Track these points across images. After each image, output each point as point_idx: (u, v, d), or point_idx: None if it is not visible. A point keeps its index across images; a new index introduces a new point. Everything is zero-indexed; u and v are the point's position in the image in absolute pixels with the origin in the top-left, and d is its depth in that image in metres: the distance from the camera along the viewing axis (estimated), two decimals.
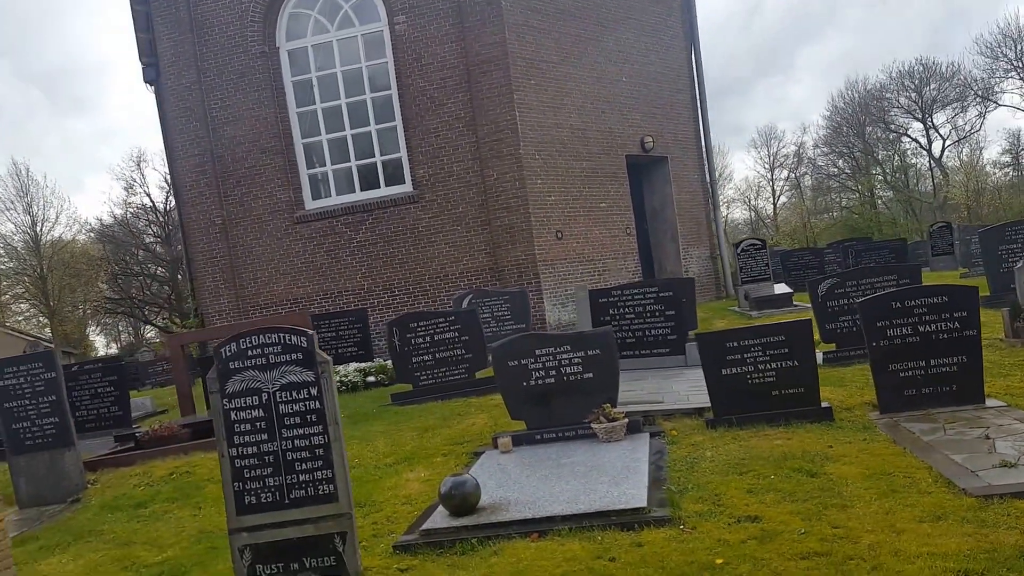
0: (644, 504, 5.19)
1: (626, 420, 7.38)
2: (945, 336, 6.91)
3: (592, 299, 10.66)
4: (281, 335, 4.98)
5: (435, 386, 10.84)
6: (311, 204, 16.07)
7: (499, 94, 14.93)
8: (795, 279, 19.49)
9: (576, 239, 15.82)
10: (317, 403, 4.85)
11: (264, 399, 4.88)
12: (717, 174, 19.33)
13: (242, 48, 16.06)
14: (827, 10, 78.09)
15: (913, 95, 46.38)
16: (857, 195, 49.15)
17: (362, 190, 15.94)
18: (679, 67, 18.73)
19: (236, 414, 4.89)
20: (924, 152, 48.42)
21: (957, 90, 46.00)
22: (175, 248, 40.31)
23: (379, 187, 15.88)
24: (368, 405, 11.03)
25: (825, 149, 51.75)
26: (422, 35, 15.31)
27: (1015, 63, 42.72)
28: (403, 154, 15.64)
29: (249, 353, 4.94)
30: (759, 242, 16.62)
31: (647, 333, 10.70)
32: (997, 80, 44.05)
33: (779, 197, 56.85)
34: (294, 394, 4.86)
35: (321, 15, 16.04)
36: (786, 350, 7.18)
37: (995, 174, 48.57)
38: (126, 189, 46.36)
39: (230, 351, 5.00)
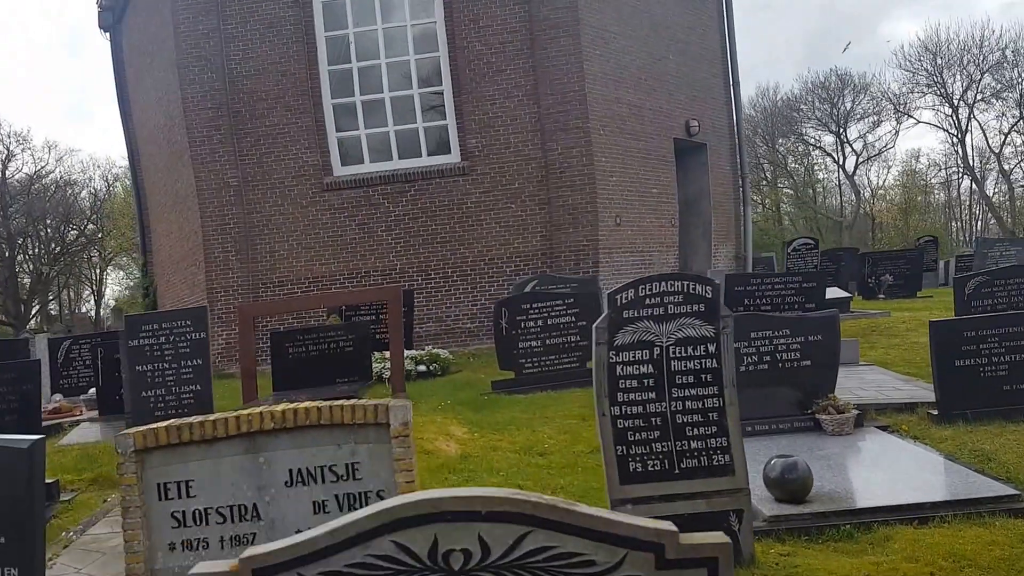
0: (1014, 491, 5.00)
1: (855, 413, 6.88)
2: None
3: (728, 285, 9.75)
4: (685, 283, 4.39)
5: (541, 375, 9.89)
6: (340, 170, 14.55)
7: (567, 63, 13.80)
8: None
9: (631, 226, 14.84)
10: (714, 362, 4.43)
11: (656, 354, 4.43)
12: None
13: None
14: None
15: (827, 107, 46.49)
16: (762, 208, 48.25)
17: (401, 158, 14.53)
18: (714, 49, 17.97)
19: (623, 368, 4.43)
20: (836, 167, 48.98)
21: (873, 103, 46.16)
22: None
23: (420, 156, 14.50)
24: (459, 393, 9.95)
25: None
26: None
27: (933, 78, 43.14)
28: (451, 122, 14.31)
29: (647, 301, 4.37)
30: (812, 241, 16.10)
31: None
32: (916, 96, 44.43)
33: None
34: (690, 350, 4.43)
35: None
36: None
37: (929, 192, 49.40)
38: None
39: (627, 298, 4.39)
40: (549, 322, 9.87)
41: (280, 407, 4.14)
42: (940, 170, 47.32)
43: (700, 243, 17.26)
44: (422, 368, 11.69)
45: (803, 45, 66.75)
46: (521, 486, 6.23)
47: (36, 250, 44.42)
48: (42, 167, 43.97)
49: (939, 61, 42.49)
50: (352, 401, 4.10)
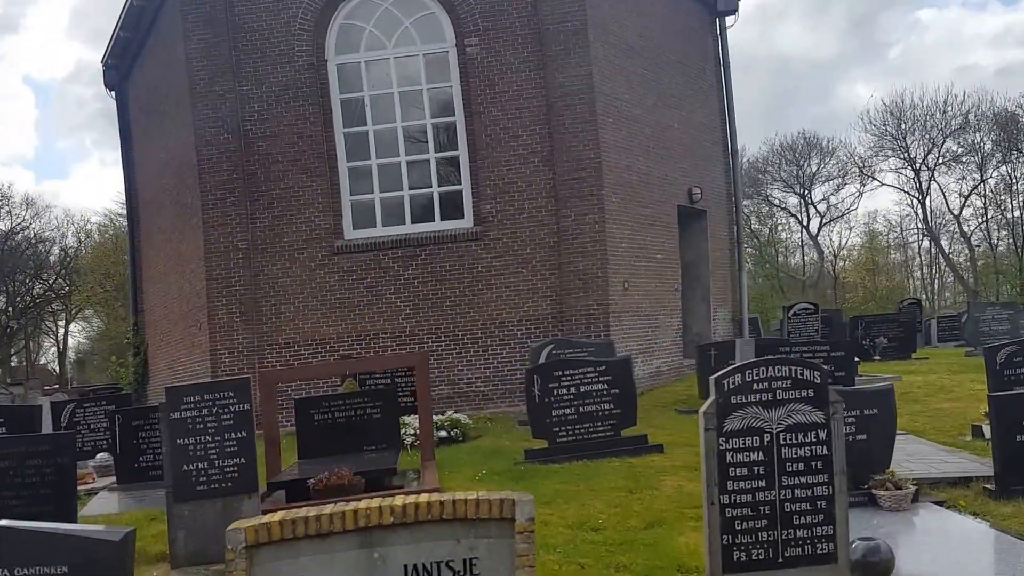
0: None
1: (913, 489, 6.81)
2: None
3: (759, 353, 9.78)
4: (792, 368, 4.43)
5: (576, 443, 9.74)
6: (352, 233, 14.54)
7: (583, 130, 13.97)
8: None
9: (638, 291, 14.94)
10: (825, 448, 4.46)
11: (766, 440, 4.43)
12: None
13: (287, 58, 14.51)
14: None
15: (793, 168, 47.45)
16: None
17: (413, 222, 14.55)
18: (714, 118, 18.34)
19: (733, 456, 4.44)
20: (800, 227, 49.82)
21: (838, 166, 47.25)
22: None
23: (433, 220, 14.53)
24: (490, 463, 9.86)
25: None
26: (497, 60, 14.21)
27: (897, 142, 44.24)
28: (466, 186, 14.39)
29: (755, 387, 4.38)
30: (812, 306, 16.30)
31: None
32: (880, 159, 45.42)
33: None
34: (800, 437, 4.46)
35: (377, 29, 14.71)
36: None
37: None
38: None
39: (734, 383, 4.42)
40: (582, 389, 9.78)
41: (400, 500, 4.07)
42: (900, 232, 48.50)
43: (699, 306, 17.40)
44: (443, 434, 11.54)
45: (759, 107, 68.34)
46: (581, 564, 6.16)
47: (3, 304, 44.12)
48: (18, 223, 43.72)
49: (903, 126, 43.73)
50: (476, 495, 4.04)
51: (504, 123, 14.20)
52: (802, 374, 4.39)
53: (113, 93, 19.38)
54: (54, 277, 44.87)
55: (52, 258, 45.30)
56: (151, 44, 17.05)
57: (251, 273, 14.32)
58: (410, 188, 14.62)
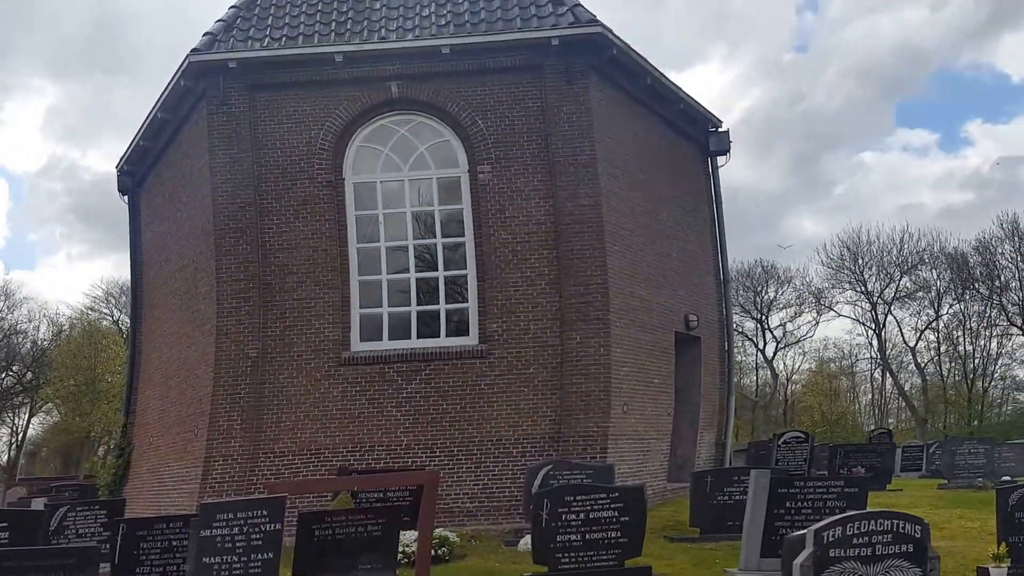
0: None
1: None
2: None
3: (772, 487, 9.95)
4: (894, 522, 4.28)
5: (578, 571, 9.60)
6: (359, 345, 14.83)
7: (590, 256, 14.53)
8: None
9: (635, 415, 15.24)
10: None
11: None
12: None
13: (307, 175, 15.08)
14: None
15: (751, 294, 48.80)
16: None
17: (419, 337, 14.90)
18: (707, 249, 19.09)
19: None
20: (756, 351, 50.92)
21: (795, 295, 48.91)
22: None
23: (439, 336, 14.89)
24: None
25: None
26: (508, 187, 14.87)
27: (854, 275, 46.10)
28: (472, 305, 14.81)
29: (855, 541, 4.33)
30: (802, 435, 16.61)
31: None
32: (837, 291, 47.07)
33: None
34: None
35: (393, 153, 15.40)
36: None
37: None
38: None
39: (833, 536, 4.32)
40: (591, 516, 9.72)
41: None
42: (851, 359, 49.64)
43: (687, 431, 17.67)
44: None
45: None
46: None
47: None
48: None
49: (860, 260, 45.75)
50: None
51: (513, 246, 14.74)
52: (903, 528, 4.30)
53: (126, 198, 19.84)
54: (25, 370, 44.63)
55: (23, 350, 45.23)
56: (171, 155, 17.59)
57: (257, 381, 14.48)
58: (418, 304, 15.02)
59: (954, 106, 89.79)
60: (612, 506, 9.66)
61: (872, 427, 43.38)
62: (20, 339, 45.35)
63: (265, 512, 6.79)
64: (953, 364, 45.17)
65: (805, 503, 9.92)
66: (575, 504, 9.62)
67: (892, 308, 45.72)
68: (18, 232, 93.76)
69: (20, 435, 50.25)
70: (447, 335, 14.87)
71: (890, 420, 48.77)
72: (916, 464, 22.76)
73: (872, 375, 49.96)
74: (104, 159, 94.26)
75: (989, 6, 78.88)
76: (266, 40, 15.39)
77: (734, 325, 47.77)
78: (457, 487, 14.00)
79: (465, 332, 14.84)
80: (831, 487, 9.94)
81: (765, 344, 50.21)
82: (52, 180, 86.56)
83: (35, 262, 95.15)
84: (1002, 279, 42.63)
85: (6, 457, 49.82)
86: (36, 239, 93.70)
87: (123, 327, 43.44)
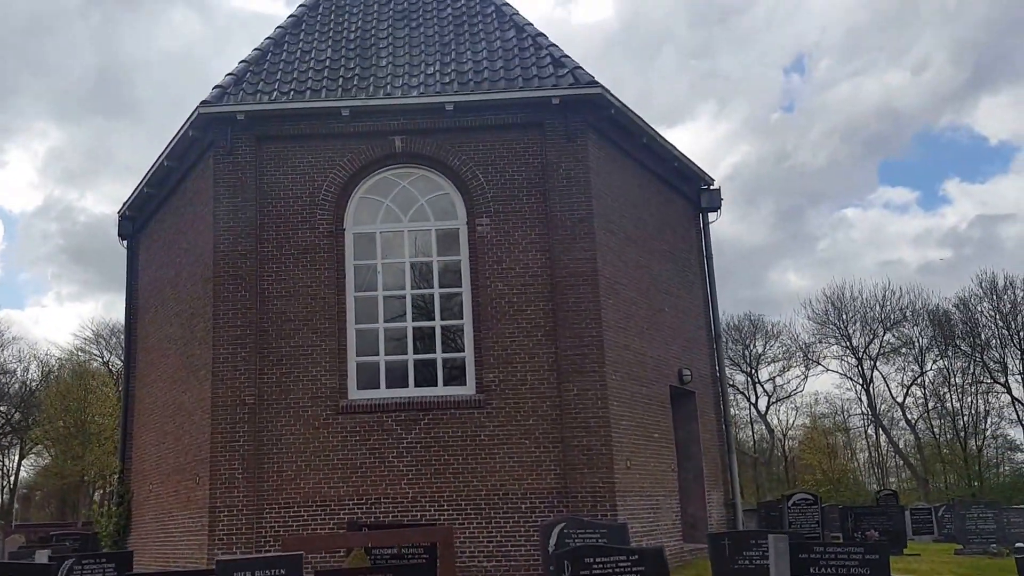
0: None
1: None
2: None
3: (793, 552, 9.98)
4: None
5: None
6: (355, 394, 14.95)
7: (586, 309, 14.77)
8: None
9: (639, 470, 15.33)
10: None
11: None
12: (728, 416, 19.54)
13: (308, 224, 15.33)
14: None
15: (740, 347, 49.55)
16: None
17: (416, 386, 15.03)
18: (699, 304, 19.36)
19: None
20: (749, 405, 51.30)
21: (783, 349, 49.84)
22: None
23: (435, 385, 15.03)
24: None
25: None
26: (505, 240, 15.15)
27: (839, 331, 47.07)
28: (469, 355, 14.99)
29: None
30: (811, 497, 16.71)
31: None
32: (824, 346, 48.05)
33: None
34: None
35: (394, 204, 15.70)
36: None
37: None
38: None
39: None
40: None
41: None
42: (843, 415, 50.15)
43: (693, 488, 17.74)
44: None
45: None
46: None
47: None
48: None
49: (844, 316, 46.65)
50: None
51: (510, 297, 14.97)
52: None
53: (125, 242, 20.01)
54: (13, 410, 44.32)
55: (11, 390, 44.96)
56: (174, 202, 17.79)
57: (256, 429, 14.54)
58: (415, 353, 15.18)
59: (933, 165, 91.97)
60: (634, 569, 9.66)
61: (874, 485, 43.79)
62: (8, 379, 45.13)
63: (283, 570, 6.86)
64: (943, 421, 45.76)
65: (828, 569, 9.95)
66: (596, 566, 9.60)
67: (877, 363, 46.58)
68: (10, 272, 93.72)
69: (12, 478, 49.74)
70: (444, 384, 15.01)
71: (891, 479, 49.17)
72: (926, 527, 23.10)
73: (866, 431, 50.59)
74: (100, 201, 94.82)
75: (968, 71, 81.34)
76: (274, 94, 15.75)
77: (727, 378, 48.38)
78: (471, 544, 14.01)
79: (462, 381, 14.99)
80: (852, 553, 9.94)
81: (757, 398, 50.81)
82: (47, 221, 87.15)
83: (24, 301, 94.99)
84: (983, 337, 43.27)
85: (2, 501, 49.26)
86: (27, 278, 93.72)
87: (113, 368, 43.26)
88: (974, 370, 43.95)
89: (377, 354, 15.20)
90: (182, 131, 16.10)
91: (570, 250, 14.97)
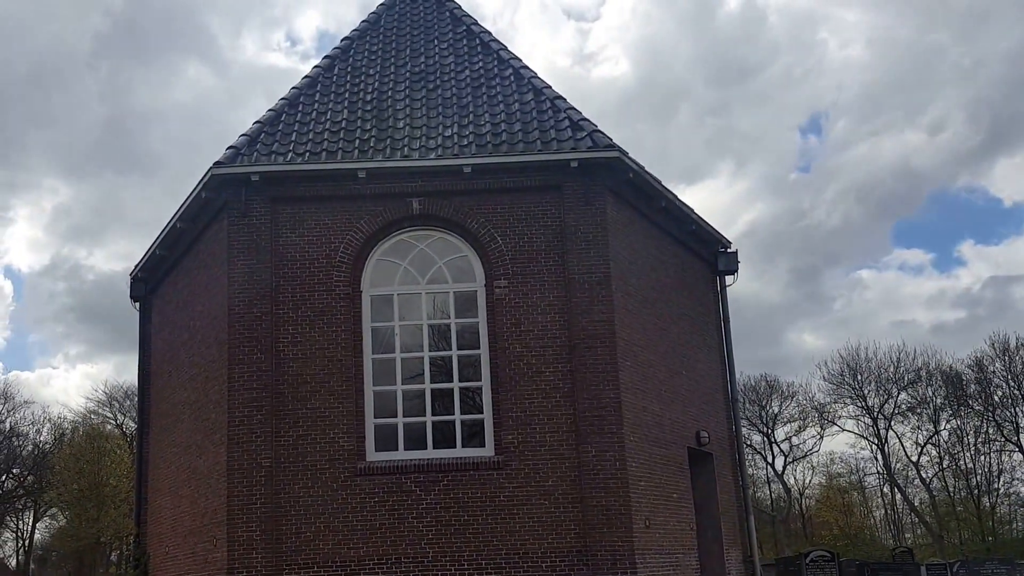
0: None
1: None
2: None
3: None
4: None
5: None
6: (373, 455, 14.85)
7: (603, 371, 14.74)
8: None
9: (658, 529, 15.22)
10: None
11: None
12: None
13: (325, 287, 15.32)
14: None
15: (756, 408, 49.70)
16: None
17: (435, 447, 14.94)
18: (716, 367, 19.33)
19: None
20: (766, 464, 51.23)
21: (798, 409, 50.20)
22: None
23: (454, 447, 14.93)
24: None
25: None
26: (524, 302, 15.17)
27: (854, 391, 47.37)
28: (487, 416, 14.93)
29: None
30: (828, 554, 16.61)
31: None
32: (840, 406, 48.42)
33: None
34: None
35: (411, 266, 15.73)
36: None
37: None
38: None
39: None
40: None
41: None
42: (859, 475, 50.29)
43: (712, 547, 17.62)
44: None
45: None
46: None
47: None
48: None
49: (859, 377, 46.93)
50: None
51: (528, 359, 14.94)
52: None
53: (138, 304, 20.03)
54: (26, 473, 44.25)
55: (24, 453, 44.96)
56: (187, 263, 17.81)
57: (273, 491, 14.40)
58: (433, 414, 15.10)
59: (949, 226, 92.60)
60: None
61: (890, 541, 43.63)
62: (21, 441, 45.11)
63: None
64: (957, 480, 46.01)
65: None
66: None
67: (892, 423, 46.82)
68: (19, 332, 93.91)
69: (26, 540, 49.48)
70: (462, 445, 14.91)
71: (906, 535, 49.00)
72: None
73: (882, 490, 50.82)
74: (109, 259, 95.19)
75: (984, 133, 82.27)
76: (289, 155, 15.84)
77: (744, 439, 48.45)
78: None
79: (480, 442, 14.90)
80: None
81: (774, 458, 50.94)
82: (55, 280, 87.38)
83: (32, 363, 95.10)
84: (996, 397, 43.30)
85: (14, 561, 48.83)
86: (35, 340, 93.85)
87: (127, 431, 43.09)
88: (987, 429, 44.11)
89: (395, 415, 15.13)
90: (195, 192, 16.12)
91: (588, 312, 14.98)
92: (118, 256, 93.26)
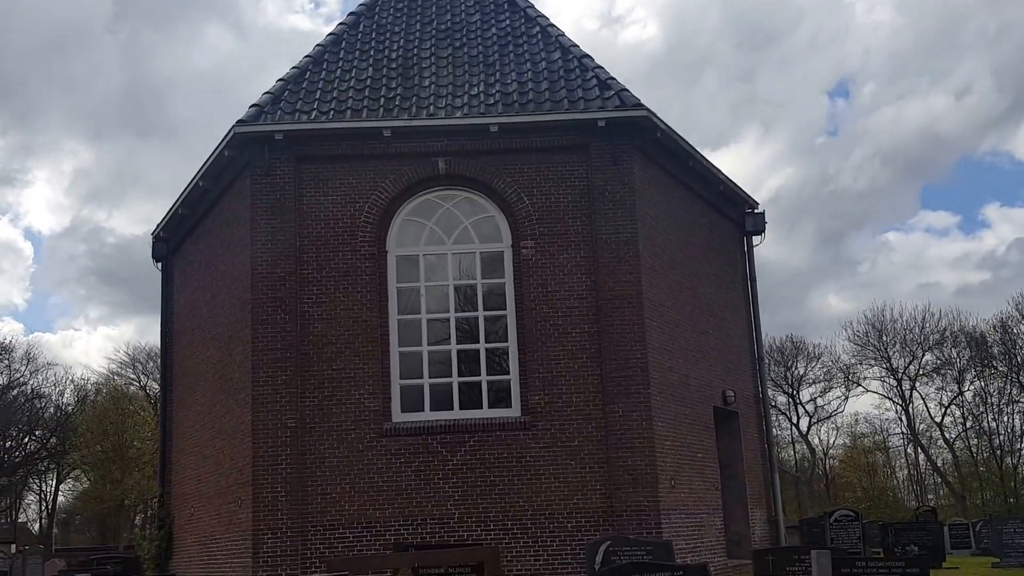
0: None
1: None
2: None
3: (836, 566, 9.93)
4: None
5: None
6: (400, 416, 14.83)
7: (630, 331, 14.63)
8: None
9: (683, 488, 15.23)
10: None
11: None
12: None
13: (350, 247, 15.20)
14: None
15: (782, 369, 49.65)
16: None
17: (461, 408, 14.90)
18: (742, 326, 19.21)
19: None
20: (791, 425, 51.37)
21: (824, 370, 50.16)
22: None
23: (481, 407, 14.89)
24: None
25: None
26: (550, 263, 15.02)
27: (879, 352, 47.36)
28: (514, 377, 14.87)
29: None
30: (853, 513, 16.61)
31: None
32: (864, 367, 48.38)
33: None
34: None
35: (437, 227, 15.58)
36: None
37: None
38: None
39: None
40: None
41: None
42: (883, 435, 50.40)
43: (736, 506, 17.65)
44: None
45: None
46: None
47: None
48: (17, 378, 43.86)
49: (884, 338, 47.02)
50: None
51: (555, 320, 14.84)
52: None
53: (160, 264, 20.00)
54: (49, 435, 44.69)
55: (47, 415, 45.36)
56: (209, 223, 17.74)
57: (298, 452, 14.43)
58: (459, 376, 15.04)
59: (974, 190, 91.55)
60: None
61: (913, 502, 43.92)
62: (43, 403, 45.50)
63: None
64: (980, 440, 46.01)
65: None
66: None
67: (916, 384, 46.97)
68: (39, 294, 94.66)
69: (49, 502, 50.12)
70: (489, 407, 14.86)
71: (929, 496, 49.32)
72: (964, 542, 23.38)
73: (906, 450, 50.93)
74: (129, 221, 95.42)
75: (1011, 96, 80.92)
76: (313, 113, 15.67)
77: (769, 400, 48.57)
78: (518, 563, 13.90)
79: (507, 403, 14.85)
80: (893, 568, 9.98)
81: (799, 419, 51.09)
82: (75, 241, 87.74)
83: (53, 324, 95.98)
84: (1020, 358, 43.07)
85: (38, 526, 49.52)
86: (56, 302, 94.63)
87: (150, 392, 43.42)
88: (1010, 390, 43.93)
89: (421, 377, 15.08)
90: (217, 151, 15.94)
91: (615, 272, 14.83)
92: (138, 219, 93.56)
